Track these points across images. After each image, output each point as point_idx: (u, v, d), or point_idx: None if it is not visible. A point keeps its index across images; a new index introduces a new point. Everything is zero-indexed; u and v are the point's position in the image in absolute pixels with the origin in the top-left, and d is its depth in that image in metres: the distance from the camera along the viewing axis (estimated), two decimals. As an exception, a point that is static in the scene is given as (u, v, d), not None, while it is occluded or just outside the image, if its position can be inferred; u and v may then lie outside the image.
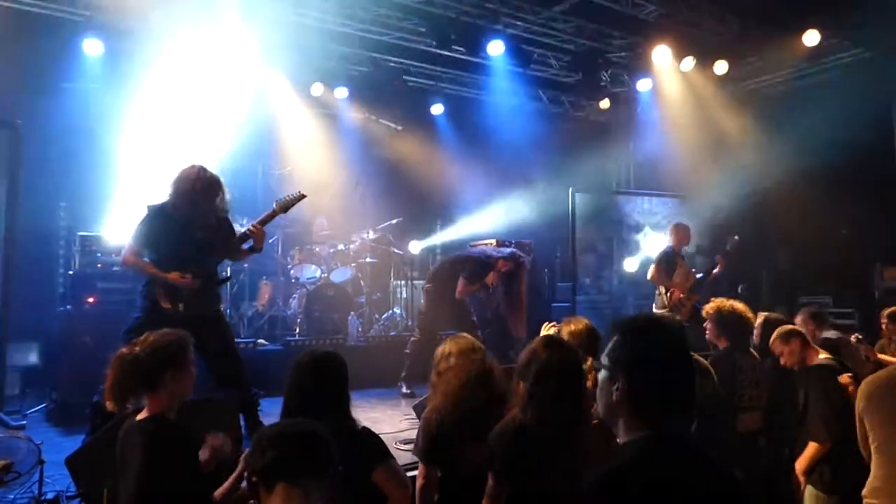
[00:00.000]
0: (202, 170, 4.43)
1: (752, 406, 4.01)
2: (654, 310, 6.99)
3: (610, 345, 1.70)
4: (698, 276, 7.30)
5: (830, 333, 4.76)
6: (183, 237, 4.37)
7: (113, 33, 7.22)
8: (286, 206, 4.73)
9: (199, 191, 4.36)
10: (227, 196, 4.58)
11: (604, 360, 1.70)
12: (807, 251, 6.45)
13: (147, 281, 4.38)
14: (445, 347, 3.11)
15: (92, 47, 7.52)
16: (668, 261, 7.07)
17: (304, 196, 4.83)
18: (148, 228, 4.40)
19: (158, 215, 4.41)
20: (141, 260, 4.38)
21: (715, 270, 7.48)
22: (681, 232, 7.23)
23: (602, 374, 1.70)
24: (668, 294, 6.95)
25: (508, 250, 7.01)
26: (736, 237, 7.60)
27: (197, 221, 4.44)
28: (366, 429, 2.68)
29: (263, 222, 4.65)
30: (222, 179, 4.55)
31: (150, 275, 4.32)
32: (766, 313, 4.46)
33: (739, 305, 4.10)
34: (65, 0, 7.03)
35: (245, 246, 4.76)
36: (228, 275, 4.73)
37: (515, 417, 2.69)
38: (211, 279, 4.60)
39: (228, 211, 4.66)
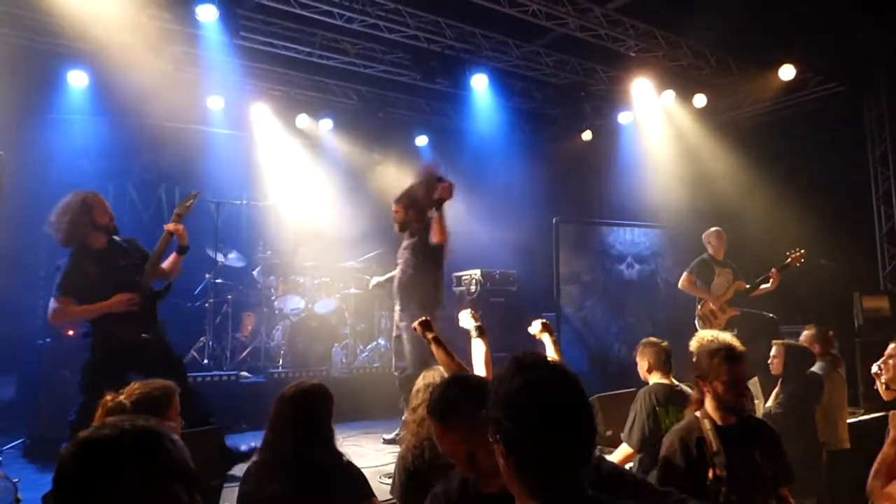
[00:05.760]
0: (85, 193, 4.27)
1: None
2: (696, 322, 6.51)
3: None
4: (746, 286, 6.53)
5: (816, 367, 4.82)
6: (112, 271, 4.19)
7: (98, 65, 7.24)
8: (186, 209, 4.45)
9: (99, 213, 4.21)
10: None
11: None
12: (785, 281, 6.51)
13: (93, 321, 4.17)
14: (418, 383, 3.04)
15: (76, 79, 7.57)
16: (705, 268, 6.58)
17: (197, 194, 4.57)
18: (75, 274, 4.14)
19: (80, 257, 4.19)
20: (75, 306, 4.10)
21: (765, 286, 6.48)
22: (718, 238, 6.69)
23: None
24: (700, 305, 6.55)
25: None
26: (798, 251, 6.44)
27: (112, 249, 4.29)
28: (350, 463, 2.66)
29: (177, 220, 4.36)
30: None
31: (95, 312, 4.09)
32: None
33: (727, 338, 4.04)
34: (51, 32, 7.05)
35: (165, 270, 4.46)
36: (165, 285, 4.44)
37: None
38: (151, 300, 4.36)
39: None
